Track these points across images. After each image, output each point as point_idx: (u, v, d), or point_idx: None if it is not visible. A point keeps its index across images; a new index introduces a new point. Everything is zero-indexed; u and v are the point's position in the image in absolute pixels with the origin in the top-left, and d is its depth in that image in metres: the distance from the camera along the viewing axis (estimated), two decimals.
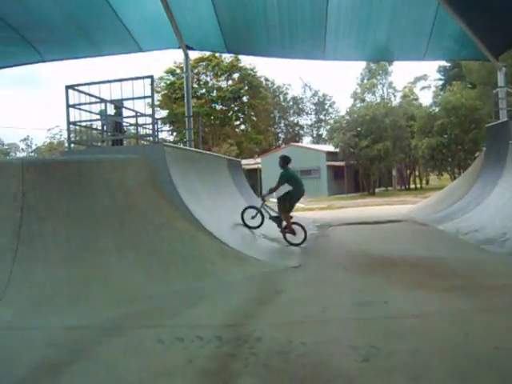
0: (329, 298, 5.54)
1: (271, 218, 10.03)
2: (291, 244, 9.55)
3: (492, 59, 15.43)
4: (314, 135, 70.76)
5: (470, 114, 36.52)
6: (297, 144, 54.65)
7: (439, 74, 51.23)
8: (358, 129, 41.63)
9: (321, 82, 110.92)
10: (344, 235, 11.75)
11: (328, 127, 55.62)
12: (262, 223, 9.99)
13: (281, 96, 68.46)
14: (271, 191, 9.90)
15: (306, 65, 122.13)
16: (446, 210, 13.49)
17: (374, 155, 39.55)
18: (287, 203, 9.77)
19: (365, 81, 48.57)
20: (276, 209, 9.99)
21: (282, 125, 70.53)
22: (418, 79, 52.25)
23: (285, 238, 9.72)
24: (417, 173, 50.81)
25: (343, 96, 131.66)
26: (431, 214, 14.11)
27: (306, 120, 71.36)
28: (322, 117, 69.77)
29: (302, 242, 9.57)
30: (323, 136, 65.74)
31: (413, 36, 15.23)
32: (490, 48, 14.93)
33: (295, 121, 70.70)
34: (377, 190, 43.73)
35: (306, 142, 67.51)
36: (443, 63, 47.90)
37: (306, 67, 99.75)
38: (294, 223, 9.83)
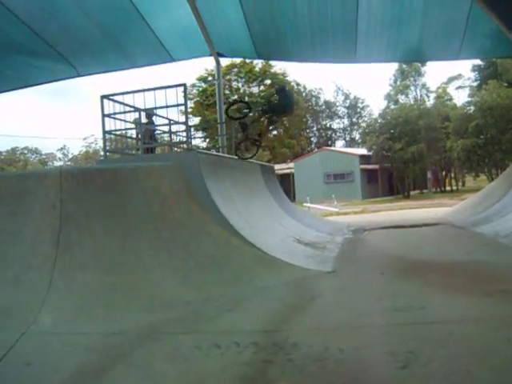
0: (365, 304, 5.49)
1: None
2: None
3: None
4: (347, 139, 70.49)
5: (506, 113, 35.76)
6: (329, 148, 54.53)
7: (474, 74, 50.26)
8: (392, 131, 41.19)
9: (353, 85, 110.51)
10: (379, 239, 11.61)
11: (361, 130, 55.30)
12: None
13: (313, 100, 68.36)
14: None
15: (338, 68, 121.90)
16: (483, 213, 13.21)
17: (408, 157, 39.10)
18: None
19: (397, 82, 48.08)
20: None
21: (315, 129, 70.40)
22: (452, 79, 51.40)
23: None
24: (452, 175, 49.99)
25: (376, 98, 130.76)
26: (468, 216, 13.84)
27: (338, 124, 71.21)
28: (354, 120, 69.45)
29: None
30: (356, 139, 65.41)
31: (446, 35, 15.00)
32: None
33: (328, 125, 70.52)
34: (411, 193, 43.14)
35: (339, 145, 67.30)
36: (478, 62, 46.91)
37: (338, 70, 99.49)
38: None
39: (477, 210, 14.10)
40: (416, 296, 5.60)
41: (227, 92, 48.89)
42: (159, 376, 3.70)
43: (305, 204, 26.95)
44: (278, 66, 50.71)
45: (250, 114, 9.76)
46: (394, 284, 6.46)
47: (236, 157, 10.85)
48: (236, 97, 49.60)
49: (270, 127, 52.83)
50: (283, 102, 9.70)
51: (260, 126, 10.12)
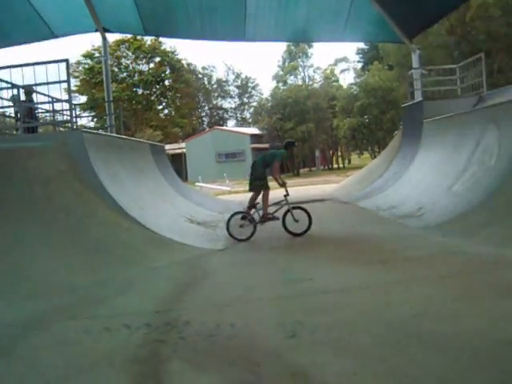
0: (255, 279, 5.62)
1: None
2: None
3: (407, 42, 16.06)
4: (239, 118, 70.82)
5: (387, 95, 37.90)
6: (221, 127, 54.54)
7: (358, 57, 52.56)
8: (282, 111, 42.08)
9: (244, 65, 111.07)
10: None
11: (252, 110, 55.95)
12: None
13: (205, 79, 67.88)
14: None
15: (229, 47, 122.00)
16: (366, 188, 13.96)
17: (298, 137, 40.16)
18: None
19: (286, 63, 49.06)
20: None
21: (207, 108, 70.02)
22: (339, 61, 53.26)
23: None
24: (339, 153, 52.18)
25: (266, 78, 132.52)
26: (353, 192, 14.56)
27: (229, 103, 71.25)
28: (245, 100, 69.89)
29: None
30: (247, 119, 66.03)
31: (331, 18, 15.55)
32: (404, 31, 15.52)
33: (219, 104, 70.39)
34: (301, 171, 44.56)
35: (231, 125, 67.48)
36: (362, 46, 49.17)
37: (230, 49, 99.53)
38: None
39: (361, 186, 14.86)
40: (304, 269, 5.83)
41: (116, 70, 47.26)
42: (46, 366, 3.53)
43: (197, 184, 26.90)
44: (168, 44, 49.71)
45: None
46: (284, 258, 6.68)
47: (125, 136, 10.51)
48: (125, 74, 48.14)
49: (160, 106, 52.05)
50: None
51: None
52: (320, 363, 3.12)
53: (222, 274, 6.13)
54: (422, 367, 2.93)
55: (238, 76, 69.12)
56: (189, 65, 61.17)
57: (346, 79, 74.00)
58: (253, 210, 8.73)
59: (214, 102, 69.64)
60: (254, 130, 46.90)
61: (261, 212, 8.69)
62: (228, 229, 8.54)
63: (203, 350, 3.55)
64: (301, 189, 21.74)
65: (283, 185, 8.70)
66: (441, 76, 18.13)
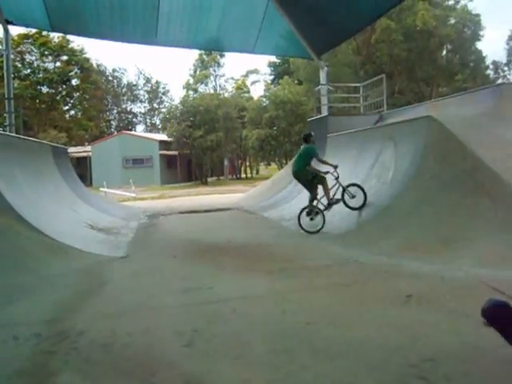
0: (156, 287, 5.52)
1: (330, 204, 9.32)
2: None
3: (315, 58, 16.61)
4: (148, 124, 69.64)
5: (296, 108, 38.88)
6: (129, 132, 53.33)
7: (269, 69, 53.63)
8: (192, 119, 41.90)
9: (156, 70, 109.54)
10: (175, 224, 11.78)
11: (162, 116, 55.27)
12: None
13: (115, 81, 66.14)
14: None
15: (142, 50, 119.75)
16: (271, 199, 14.22)
17: (207, 145, 40.17)
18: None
19: (197, 72, 49.07)
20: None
21: (115, 112, 68.19)
22: (250, 72, 54.06)
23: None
24: (247, 163, 52.77)
25: (177, 86, 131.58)
26: (258, 202, 14.76)
27: (139, 108, 69.91)
28: (155, 105, 68.90)
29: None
30: (157, 125, 65.11)
31: (243, 29, 15.78)
32: (313, 48, 16.04)
33: (129, 108, 68.86)
34: (209, 180, 44.52)
35: (140, 130, 66.19)
36: (273, 59, 50.28)
37: (142, 53, 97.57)
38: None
39: (266, 196, 15.10)
40: (205, 277, 5.80)
41: (19, 65, 44.85)
42: None
43: (101, 189, 26.08)
44: (76, 42, 47.90)
45: None
46: (186, 267, 6.63)
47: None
48: (28, 71, 45.85)
49: (66, 107, 50.02)
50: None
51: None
52: (215, 371, 3.12)
53: (122, 282, 5.96)
54: (312, 373, 3.01)
55: (148, 80, 68.09)
56: (98, 65, 59.47)
57: (257, 91, 75.22)
58: (315, 202, 9.36)
59: (124, 106, 68.03)
60: (163, 137, 46.26)
61: (323, 200, 9.31)
62: (300, 225, 9.06)
63: (97, 361, 3.43)
64: (208, 197, 21.76)
65: (335, 166, 9.17)
66: (346, 93, 18.89)
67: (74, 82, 49.45)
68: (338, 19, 14.29)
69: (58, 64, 47.75)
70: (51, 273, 6.29)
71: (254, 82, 54.27)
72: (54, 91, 48.14)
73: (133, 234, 9.74)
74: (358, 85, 17.19)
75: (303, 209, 9.30)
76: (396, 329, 3.71)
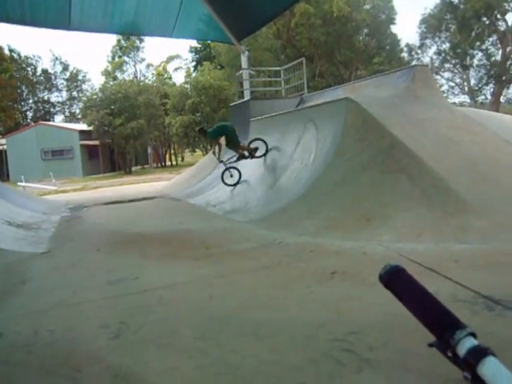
0: (80, 281, 5.34)
1: (238, 159, 11.52)
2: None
3: (236, 43, 16.58)
4: (67, 113, 67.00)
5: (218, 93, 38.73)
6: (47, 123, 51.07)
7: (191, 55, 53.02)
8: (112, 107, 40.76)
9: (74, 57, 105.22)
10: (99, 216, 11.45)
11: (81, 105, 53.39)
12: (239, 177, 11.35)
13: (29, 69, 62.88)
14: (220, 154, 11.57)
15: (58, 37, 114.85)
16: (197, 185, 14.15)
17: (129, 133, 39.24)
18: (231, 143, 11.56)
19: (116, 58, 47.75)
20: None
21: (31, 102, 64.98)
22: (171, 58, 53.20)
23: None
24: (172, 150, 52.15)
25: (98, 72, 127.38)
26: (184, 189, 14.64)
27: (57, 97, 67.03)
28: (74, 94, 66.33)
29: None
30: (77, 114, 62.75)
31: (161, 12, 15.52)
32: (233, 32, 16.02)
33: (46, 97, 65.80)
34: (133, 169, 43.61)
35: (58, 120, 63.58)
36: (195, 44, 49.69)
37: (59, 40, 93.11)
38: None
39: (191, 183, 15.01)
40: (131, 268, 5.69)
41: None
42: None
43: (19, 183, 24.91)
44: None
45: None
46: (110, 258, 6.46)
47: None
48: None
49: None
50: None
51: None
52: (142, 362, 3.07)
53: (44, 278, 5.71)
54: (240, 355, 3.03)
55: (66, 68, 65.34)
56: (11, 51, 56.36)
57: (179, 77, 73.98)
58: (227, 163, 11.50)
59: (40, 95, 64.96)
60: (84, 127, 44.72)
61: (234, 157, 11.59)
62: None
63: (18, 362, 3.27)
64: (132, 187, 21.37)
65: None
66: (267, 77, 19.02)
67: None
68: (257, 3, 14.35)
69: None
70: None
71: (176, 69, 53.56)
72: None
73: (54, 229, 9.38)
74: (278, 68, 17.33)
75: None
76: (322, 305, 3.80)
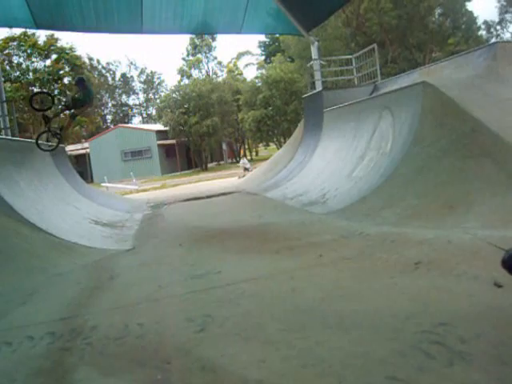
0: (164, 276, 5.51)
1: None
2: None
3: (305, 34, 16.43)
4: (144, 115, 69.34)
5: (289, 86, 38.69)
6: (125, 125, 53.27)
7: (260, 50, 53.21)
8: (186, 106, 41.70)
9: (150, 60, 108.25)
10: (178, 213, 11.77)
11: (157, 106, 54.99)
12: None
13: (108, 75, 65.61)
14: None
15: (133, 42, 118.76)
16: (273, 179, 14.19)
17: (204, 131, 40.05)
18: None
19: (190, 57, 48.74)
20: None
21: (110, 105, 67.79)
22: (242, 54, 53.62)
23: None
24: (246, 145, 52.65)
25: (172, 73, 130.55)
26: (260, 183, 14.74)
27: (134, 100, 69.51)
28: (151, 95, 68.52)
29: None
30: (153, 115, 64.77)
31: (229, 9, 15.65)
32: (302, 23, 15.88)
33: (124, 101, 68.42)
34: (209, 165, 44.49)
35: (136, 122, 65.92)
36: (263, 39, 49.86)
37: (135, 44, 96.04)
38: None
39: (267, 177, 15.09)
40: (213, 262, 5.79)
41: (7, 68, 44.52)
42: None
43: (103, 184, 26.08)
44: (64, 40, 47.48)
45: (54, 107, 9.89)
46: (193, 254, 6.62)
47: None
48: (18, 73, 45.46)
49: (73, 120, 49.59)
50: (82, 95, 10.08)
51: (62, 121, 10.90)
52: (229, 354, 3.11)
53: (130, 274, 5.95)
54: (327, 347, 3.01)
55: (142, 71, 67.57)
56: (90, 60, 58.98)
57: (250, 72, 74.55)
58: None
59: (119, 99, 67.60)
60: (160, 127, 46.08)
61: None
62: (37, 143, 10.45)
63: (111, 354, 3.43)
64: (209, 183, 21.78)
65: None
66: (339, 67, 18.74)
67: (66, 80, 49.08)
68: None
69: (47, 63, 47.30)
70: (59, 271, 6.31)
71: (246, 65, 53.99)
72: (46, 91, 47.77)
73: (137, 226, 9.75)
74: (349, 57, 17.05)
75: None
76: (407, 297, 3.70)
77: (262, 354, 3.07)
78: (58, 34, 41.68)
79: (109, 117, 67.70)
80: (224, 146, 47.74)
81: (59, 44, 47.02)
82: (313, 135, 13.49)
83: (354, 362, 2.79)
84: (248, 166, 24.12)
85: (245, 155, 26.68)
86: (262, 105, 40.00)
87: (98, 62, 62.69)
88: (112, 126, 56.10)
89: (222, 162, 48.22)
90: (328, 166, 10.94)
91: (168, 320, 3.98)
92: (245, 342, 3.27)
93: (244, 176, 22.11)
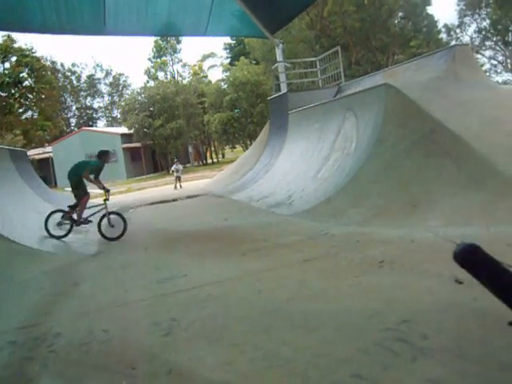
0: (130, 281, 5.47)
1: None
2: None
3: (269, 36, 16.51)
4: (109, 118, 68.40)
5: (255, 88, 38.75)
6: (90, 128, 52.41)
7: (225, 52, 53.21)
8: (151, 109, 41.38)
9: (117, 62, 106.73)
10: (145, 216, 11.68)
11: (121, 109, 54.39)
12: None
13: (73, 77, 64.44)
14: None
15: (102, 42, 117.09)
16: (239, 181, 14.21)
17: (169, 134, 39.79)
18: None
19: (156, 59, 48.41)
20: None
21: (74, 109, 66.61)
22: (206, 57, 53.45)
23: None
24: (212, 148, 52.52)
25: (140, 76, 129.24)
26: (226, 185, 14.73)
27: (99, 102, 68.49)
28: (116, 98, 67.61)
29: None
30: (118, 118, 63.97)
31: (194, 12, 15.58)
32: (266, 26, 15.96)
33: (89, 104, 67.33)
34: None
35: (101, 125, 64.99)
36: (229, 40, 49.86)
37: (102, 45, 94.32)
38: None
39: (234, 179, 15.08)
40: (179, 266, 5.77)
41: None
42: None
43: (66, 189, 25.56)
44: (23, 41, 46.33)
45: None
46: (158, 257, 6.58)
47: None
48: None
49: (21, 109, 48.47)
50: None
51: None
52: (195, 357, 3.10)
53: (95, 279, 5.87)
54: (292, 348, 3.02)
55: (108, 73, 66.67)
56: (53, 63, 57.84)
57: (215, 75, 74.45)
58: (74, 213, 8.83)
59: (83, 102, 66.51)
60: (125, 130, 45.57)
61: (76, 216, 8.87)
62: (46, 225, 8.53)
63: (76, 361, 3.37)
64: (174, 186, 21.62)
65: (105, 189, 8.75)
66: (303, 69, 18.90)
67: (27, 83, 48.01)
68: None
69: (6, 65, 46.17)
70: (22, 278, 6.18)
71: (211, 67, 53.78)
72: (6, 95, 46.62)
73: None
74: (314, 59, 17.20)
75: (57, 211, 8.99)
76: (372, 295, 3.75)
77: (227, 356, 3.06)
78: (16, 35, 40.60)
79: (73, 120, 66.50)
80: (190, 149, 47.52)
81: (17, 45, 45.89)
82: (278, 137, 13.55)
83: (320, 362, 2.81)
84: (180, 174, 22.48)
85: (177, 159, 25.10)
86: (228, 107, 39.98)
87: (62, 64, 61.54)
88: (76, 130, 55.11)
89: (188, 165, 47.96)
90: (294, 168, 11.00)
91: (133, 325, 3.94)
92: (211, 345, 3.26)
93: (178, 186, 21.37)
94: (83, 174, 8.79)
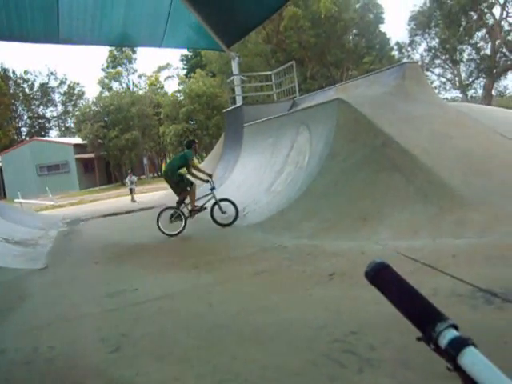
0: (79, 295, 5.33)
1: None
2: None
3: (225, 49, 16.56)
4: (63, 128, 66.77)
5: (211, 101, 38.77)
6: (41, 138, 51.07)
7: (182, 64, 53.06)
8: (105, 119, 40.80)
9: (72, 70, 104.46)
10: (96, 229, 11.45)
11: (75, 118, 53.35)
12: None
13: (25, 86, 62.67)
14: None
15: (56, 51, 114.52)
16: None
17: (123, 145, 39.31)
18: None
19: (110, 69, 47.82)
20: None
21: (26, 118, 64.69)
22: (162, 68, 53.18)
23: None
24: (167, 159, 52.14)
25: (94, 86, 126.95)
26: None
27: (52, 112, 66.74)
28: (70, 108, 66.10)
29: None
30: (71, 128, 62.59)
31: (149, 22, 15.47)
32: (222, 39, 16.00)
33: (41, 113, 65.52)
34: None
35: (54, 135, 63.36)
36: (185, 52, 49.75)
37: (57, 53, 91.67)
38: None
39: None
40: (130, 279, 5.68)
41: None
42: None
43: (16, 200, 24.85)
44: None
45: None
46: (109, 271, 6.46)
47: None
48: None
49: None
50: None
51: None
52: (143, 373, 3.06)
53: (42, 294, 5.71)
54: (242, 362, 3.03)
55: (63, 82, 65.17)
56: (4, 70, 56.23)
57: (171, 86, 73.99)
58: (182, 206, 9.00)
59: (36, 111, 64.71)
60: (78, 140, 44.68)
61: (189, 206, 9.07)
62: (158, 225, 8.78)
63: (19, 380, 3.27)
64: (129, 198, 21.30)
65: (210, 176, 9.18)
66: (259, 82, 19.06)
67: None
68: (244, 8, 14.34)
69: None
70: None
71: (167, 78, 53.51)
72: None
73: (52, 244, 9.37)
74: (269, 73, 17.36)
75: (167, 208, 9.20)
76: (321, 307, 3.79)
77: (176, 371, 3.03)
78: None
79: (24, 129, 64.46)
80: (145, 160, 47.03)
81: None
82: (233, 151, 13.57)
83: (269, 375, 2.82)
84: (134, 186, 21.44)
85: (131, 170, 24.52)
86: (183, 119, 39.85)
87: (14, 72, 59.81)
88: (27, 139, 53.64)
89: (143, 177, 47.42)
90: (247, 181, 11.03)
91: (81, 341, 3.85)
92: (159, 361, 3.22)
93: (133, 199, 20.44)
94: (189, 161, 9.07)
